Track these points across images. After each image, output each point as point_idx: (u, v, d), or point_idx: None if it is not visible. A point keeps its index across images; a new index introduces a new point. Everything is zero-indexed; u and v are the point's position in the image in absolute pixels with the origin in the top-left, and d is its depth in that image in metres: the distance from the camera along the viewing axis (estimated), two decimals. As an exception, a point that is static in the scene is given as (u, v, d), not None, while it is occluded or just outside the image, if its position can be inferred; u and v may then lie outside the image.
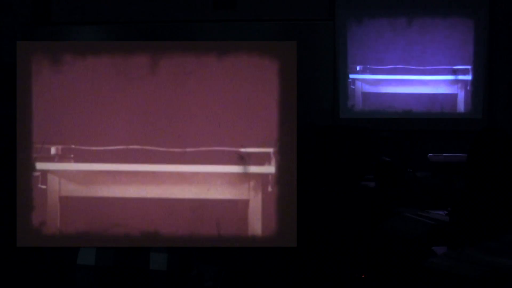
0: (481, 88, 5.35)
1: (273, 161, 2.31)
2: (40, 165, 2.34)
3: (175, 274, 2.26)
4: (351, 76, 5.48)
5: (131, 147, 2.30)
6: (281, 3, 5.63)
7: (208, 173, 2.31)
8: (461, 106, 5.41)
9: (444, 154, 4.59)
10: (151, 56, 2.33)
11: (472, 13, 5.36)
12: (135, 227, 2.28)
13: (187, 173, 2.31)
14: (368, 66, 5.46)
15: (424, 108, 5.40)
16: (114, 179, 2.32)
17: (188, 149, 2.31)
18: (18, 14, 5.72)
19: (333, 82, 5.46)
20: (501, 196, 2.73)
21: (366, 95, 5.49)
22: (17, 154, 2.33)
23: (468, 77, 5.37)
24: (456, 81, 5.40)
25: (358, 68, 5.49)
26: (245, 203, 2.32)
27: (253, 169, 2.31)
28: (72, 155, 2.33)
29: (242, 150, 2.31)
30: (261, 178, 2.32)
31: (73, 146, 2.33)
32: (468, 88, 5.38)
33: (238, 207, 2.33)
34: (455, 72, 5.37)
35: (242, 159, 2.31)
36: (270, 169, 2.31)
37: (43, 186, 2.34)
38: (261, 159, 2.31)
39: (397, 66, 5.42)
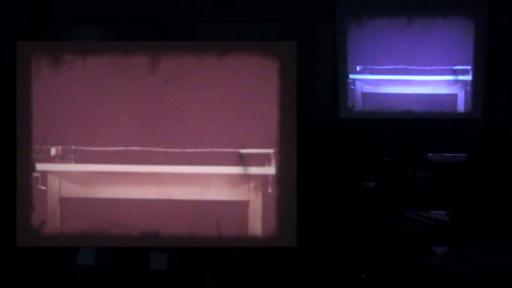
0: (481, 88, 5.35)
1: (273, 162, 2.31)
2: (40, 166, 2.34)
3: (175, 274, 2.26)
4: (351, 76, 5.48)
5: (131, 147, 2.30)
6: (281, 3, 5.63)
7: (208, 174, 2.31)
8: (461, 106, 5.41)
9: (444, 154, 4.59)
10: (151, 56, 2.33)
11: (472, 13, 5.36)
12: (135, 227, 2.28)
13: (187, 174, 2.31)
14: (368, 66, 5.46)
15: (424, 108, 5.40)
16: (114, 179, 2.32)
17: (188, 150, 2.31)
18: (18, 14, 5.71)
19: (333, 82, 5.46)
20: (501, 196, 2.73)
21: (366, 95, 5.48)
22: (17, 155, 2.33)
23: (468, 77, 5.37)
24: (456, 81, 5.39)
25: (358, 68, 5.48)
26: (245, 203, 2.32)
27: (253, 169, 2.31)
28: (72, 156, 2.33)
29: (242, 150, 2.31)
30: (261, 178, 2.32)
31: (73, 147, 2.33)
32: (468, 88, 5.38)
33: (238, 208, 2.33)
34: (455, 72, 5.37)
35: (242, 159, 2.31)
36: (270, 169, 2.31)
37: (43, 187, 2.34)
38: (261, 160, 2.31)
39: (397, 66, 5.41)
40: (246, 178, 2.32)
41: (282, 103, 2.32)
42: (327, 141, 4.01)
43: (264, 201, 2.31)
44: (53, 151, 2.33)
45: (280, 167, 2.30)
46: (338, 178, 3.82)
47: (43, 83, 2.35)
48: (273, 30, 5.56)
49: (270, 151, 2.31)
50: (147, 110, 2.31)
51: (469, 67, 5.36)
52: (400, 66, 5.41)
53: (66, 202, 2.33)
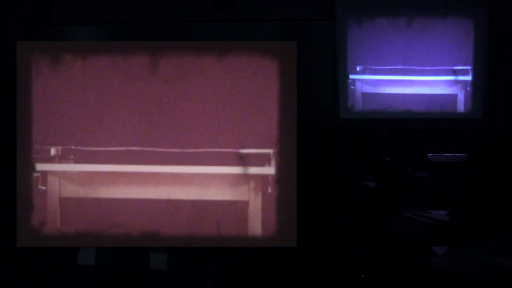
0: (481, 88, 5.35)
1: (273, 162, 2.30)
2: (40, 166, 2.34)
3: (175, 274, 2.26)
4: (351, 76, 5.48)
5: (131, 148, 2.30)
6: (281, 3, 5.63)
7: (208, 174, 2.31)
8: (461, 106, 5.41)
9: (444, 154, 4.59)
10: (151, 56, 2.33)
11: (472, 13, 5.36)
12: (135, 227, 2.28)
13: (187, 174, 2.31)
14: (368, 66, 5.46)
15: (424, 108, 5.40)
16: (114, 179, 2.32)
17: (188, 150, 2.31)
18: (18, 14, 5.71)
19: (333, 82, 5.46)
20: (501, 196, 2.73)
21: (366, 95, 5.48)
22: (17, 155, 2.33)
23: (468, 78, 5.37)
24: (456, 82, 5.39)
25: (358, 68, 5.48)
26: (245, 203, 2.32)
27: (253, 170, 2.31)
28: (72, 156, 2.33)
29: (242, 150, 2.31)
30: (261, 179, 2.32)
31: (73, 147, 2.33)
32: (468, 88, 5.38)
33: (238, 208, 2.33)
34: (455, 72, 5.37)
35: (242, 160, 2.31)
36: (270, 170, 2.31)
37: (43, 187, 2.34)
38: (261, 160, 2.31)
39: (397, 66, 5.41)
40: (246, 178, 2.32)
41: (282, 103, 2.32)
42: (327, 141, 4.01)
43: (264, 201, 2.31)
44: (53, 151, 2.33)
45: (280, 167, 2.30)
46: (338, 178, 3.82)
47: (43, 83, 2.34)
48: (273, 30, 5.56)
49: (270, 151, 2.31)
50: (147, 110, 2.31)
51: (469, 67, 5.36)
52: (400, 66, 5.41)
53: (66, 202, 2.33)
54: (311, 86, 5.44)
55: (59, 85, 2.35)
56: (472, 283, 2.26)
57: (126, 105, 2.32)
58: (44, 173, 2.34)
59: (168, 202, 2.30)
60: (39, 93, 2.34)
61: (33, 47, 2.37)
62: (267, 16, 5.60)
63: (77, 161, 2.33)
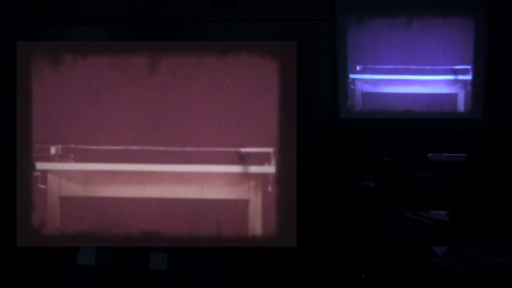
0: (481, 88, 5.35)
1: (273, 161, 2.31)
2: (40, 165, 2.34)
3: (175, 274, 2.26)
4: (351, 76, 5.48)
5: (131, 147, 2.30)
6: (281, 3, 5.63)
7: (208, 173, 2.31)
8: (461, 106, 5.41)
9: (444, 154, 4.59)
10: (151, 56, 2.33)
11: (472, 13, 5.36)
12: (135, 227, 2.28)
13: (187, 173, 2.31)
14: (368, 66, 5.46)
15: (424, 108, 5.40)
16: (114, 179, 2.32)
17: (188, 149, 2.31)
18: (18, 14, 5.71)
19: (333, 82, 5.46)
20: (501, 196, 2.73)
21: (366, 95, 5.48)
22: (17, 154, 2.33)
23: (468, 77, 5.37)
24: (456, 81, 5.39)
25: (358, 68, 5.48)
26: (245, 203, 2.32)
27: (253, 169, 2.31)
28: (72, 155, 2.33)
29: (242, 150, 2.31)
30: (261, 178, 2.32)
31: (73, 146, 2.33)
32: (468, 88, 5.38)
33: (238, 207, 2.33)
34: (455, 72, 5.37)
35: (242, 159, 2.31)
36: (270, 169, 2.31)
37: (43, 186, 2.34)
38: (261, 159, 2.31)
39: (397, 66, 5.41)
40: (246, 177, 2.32)
41: (282, 103, 2.32)
42: (327, 141, 4.01)
43: (264, 200, 2.31)
44: (53, 150, 2.33)
45: (280, 167, 2.30)
46: (338, 178, 3.82)
47: (43, 83, 2.35)
48: (273, 30, 5.56)
49: (270, 150, 2.31)
50: (147, 110, 2.31)
51: (469, 67, 5.35)
52: (400, 66, 5.41)
53: (66, 201, 2.33)
54: (311, 86, 5.44)
55: (59, 85, 2.35)
56: (472, 283, 2.26)
57: (126, 105, 2.32)
58: (44, 172, 2.34)
59: (168, 202, 2.30)
60: (39, 93, 2.34)
61: (33, 47, 2.37)
62: (267, 16, 5.60)
63: (77, 160, 2.33)
